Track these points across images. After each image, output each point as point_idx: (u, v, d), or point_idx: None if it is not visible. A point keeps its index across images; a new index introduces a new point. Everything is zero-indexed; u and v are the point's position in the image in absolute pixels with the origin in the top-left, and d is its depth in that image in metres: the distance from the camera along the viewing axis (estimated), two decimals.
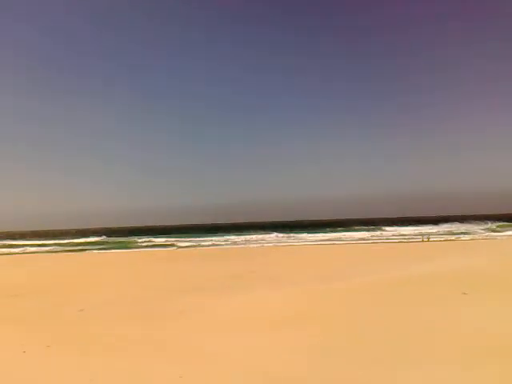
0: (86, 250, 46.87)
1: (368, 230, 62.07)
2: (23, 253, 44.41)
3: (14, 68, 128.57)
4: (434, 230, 56.58)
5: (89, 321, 9.34)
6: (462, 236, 46.91)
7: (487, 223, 69.17)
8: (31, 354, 6.95)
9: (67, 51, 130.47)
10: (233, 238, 57.97)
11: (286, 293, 11.65)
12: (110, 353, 6.94)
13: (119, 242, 59.37)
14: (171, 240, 57.88)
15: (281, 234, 60.03)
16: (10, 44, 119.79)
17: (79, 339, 7.84)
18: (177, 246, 48.57)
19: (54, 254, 41.70)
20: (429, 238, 40.92)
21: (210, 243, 50.20)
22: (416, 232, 54.50)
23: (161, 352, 6.84)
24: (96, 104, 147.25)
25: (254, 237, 58.03)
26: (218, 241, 53.47)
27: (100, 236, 72.82)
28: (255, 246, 43.53)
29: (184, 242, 53.99)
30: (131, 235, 74.43)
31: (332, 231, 62.76)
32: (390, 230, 60.87)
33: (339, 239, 49.05)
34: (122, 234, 79.87)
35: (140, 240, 59.74)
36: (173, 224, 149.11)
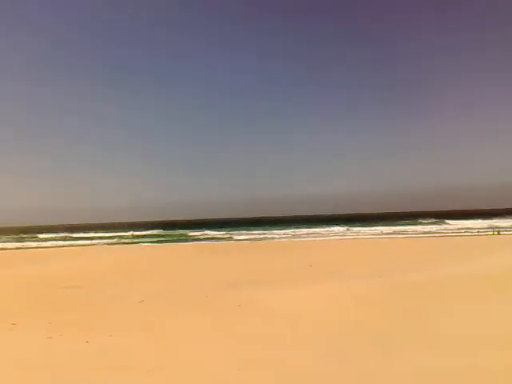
0: (143, 242, 48.50)
1: (433, 224, 60.09)
2: (84, 245, 46.55)
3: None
4: (504, 224, 53.55)
5: (149, 312, 9.58)
6: None
7: None
8: (94, 343, 7.18)
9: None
10: (291, 231, 57.85)
11: (343, 287, 11.50)
12: (171, 342, 7.08)
13: (175, 235, 60.94)
14: (227, 233, 58.72)
15: (342, 228, 59.15)
16: None
17: (140, 329, 8.07)
18: (234, 238, 49.16)
19: (112, 246, 43.42)
20: (499, 232, 38.94)
21: (269, 236, 50.39)
22: (484, 225, 52.08)
23: (219, 342, 6.90)
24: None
25: (312, 230, 57.65)
26: (277, 234, 53.58)
27: (156, 229, 75.01)
28: (314, 239, 43.25)
29: (241, 235, 54.58)
30: (187, 228, 76.15)
31: (395, 224, 61.15)
32: (454, 224, 58.53)
33: (404, 232, 47.78)
34: (178, 227, 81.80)
35: (195, 233, 61.05)
36: (229, 217, 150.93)
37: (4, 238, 68.41)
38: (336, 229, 57.96)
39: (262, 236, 50.68)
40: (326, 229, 58.09)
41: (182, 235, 60.53)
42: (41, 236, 71.67)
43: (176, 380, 5.44)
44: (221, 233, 60.08)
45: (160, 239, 54.07)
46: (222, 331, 7.77)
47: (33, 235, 73.80)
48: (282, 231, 57.87)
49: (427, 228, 53.50)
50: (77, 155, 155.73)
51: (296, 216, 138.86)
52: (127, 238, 59.65)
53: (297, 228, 61.79)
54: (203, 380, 5.40)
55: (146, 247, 39.46)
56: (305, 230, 57.07)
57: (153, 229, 75.42)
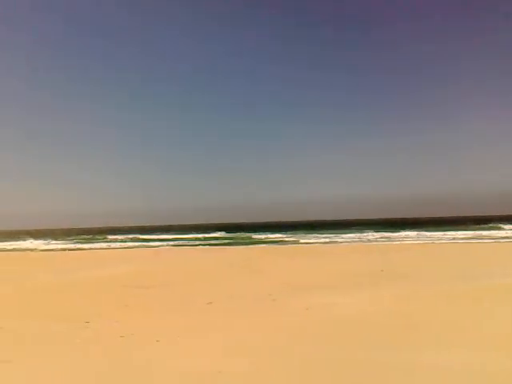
0: (207, 245, 49.45)
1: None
2: (151, 246, 48.21)
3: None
4: None
5: (217, 313, 9.72)
6: None
7: None
8: (164, 342, 7.36)
9: None
10: (358, 234, 56.72)
11: (413, 291, 11.22)
12: (239, 344, 7.12)
13: (239, 238, 61.61)
14: (293, 236, 58.58)
15: (412, 232, 57.12)
16: None
17: (208, 330, 8.19)
18: (300, 242, 48.93)
19: (179, 247, 44.66)
20: None
21: (336, 240, 49.72)
22: None
23: (287, 346, 6.84)
24: None
25: (380, 234, 56.21)
26: (344, 237, 52.73)
27: (220, 231, 76.34)
28: (383, 243, 42.18)
29: (307, 238, 54.23)
30: (249, 231, 76.85)
31: (469, 229, 58.29)
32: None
33: (480, 237, 45.45)
34: (240, 230, 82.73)
35: (260, 236, 61.40)
36: (294, 220, 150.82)
37: (76, 238, 72.40)
38: (405, 233, 56.05)
39: (328, 240, 50.04)
40: (397, 233, 56.33)
41: (245, 238, 61.07)
42: (110, 237, 75.13)
43: (245, 382, 5.45)
44: (286, 235, 60.04)
45: (224, 242, 54.90)
46: (289, 334, 7.72)
47: (103, 236, 77.52)
48: (348, 235, 56.83)
49: (505, 233, 50.45)
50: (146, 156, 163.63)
51: (360, 219, 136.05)
52: (192, 239, 61.13)
53: (362, 232, 60.57)
54: (272, 381, 5.38)
55: (210, 249, 40.18)
56: (376, 234, 55.74)
57: (216, 231, 76.84)
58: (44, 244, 61.10)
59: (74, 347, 7.22)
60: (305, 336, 7.57)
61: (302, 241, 49.63)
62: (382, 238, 51.66)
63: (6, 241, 69.45)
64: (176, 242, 55.34)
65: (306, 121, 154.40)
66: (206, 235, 69.44)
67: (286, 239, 54.48)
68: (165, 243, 54.84)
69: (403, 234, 55.73)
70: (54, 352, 6.98)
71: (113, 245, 55.23)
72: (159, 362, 6.35)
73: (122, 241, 64.85)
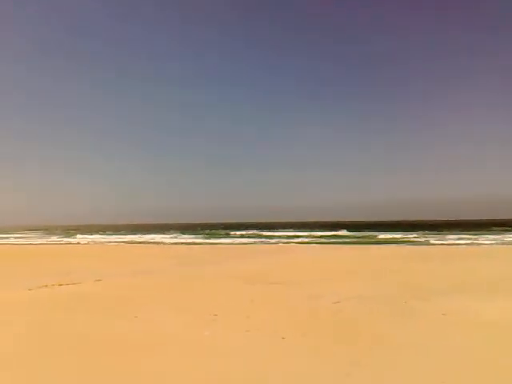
0: (331, 243, 49.22)
1: None
2: (273, 243, 49.27)
3: None
4: None
5: (344, 314, 9.60)
6: None
7: None
8: (289, 340, 7.46)
9: None
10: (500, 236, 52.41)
11: None
12: (366, 348, 6.96)
13: (363, 236, 60.35)
14: (423, 236, 55.95)
15: None
16: None
17: (334, 331, 8.12)
18: (430, 242, 46.56)
19: (302, 245, 45.08)
20: None
21: (469, 242, 46.46)
22: None
23: (421, 353, 6.53)
24: None
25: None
26: (492, 239, 49.04)
27: (342, 229, 75.55)
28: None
29: (436, 238, 51.46)
30: (369, 229, 74.97)
31: None
32: None
33: None
34: (363, 228, 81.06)
35: (386, 235, 59.54)
36: (424, 219, 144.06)
37: (202, 233, 76.57)
38: None
39: (460, 241, 46.85)
40: None
41: (369, 236, 59.69)
42: (232, 233, 78.29)
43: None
44: (414, 235, 57.54)
45: (348, 240, 54.17)
46: (423, 341, 7.35)
47: (226, 232, 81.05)
48: (492, 236, 52.72)
49: None
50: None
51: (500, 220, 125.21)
52: (316, 237, 61.30)
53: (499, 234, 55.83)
54: None
55: (334, 247, 39.90)
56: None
57: (335, 229, 76.22)
58: (173, 238, 65.52)
59: (203, 339, 7.63)
60: (446, 341, 7.20)
61: (433, 242, 47.10)
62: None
63: (143, 234, 75.95)
64: (299, 240, 55.89)
65: None
66: (329, 233, 69.15)
67: (416, 239, 52.11)
68: (287, 240, 55.73)
69: None
70: (183, 343, 7.43)
71: (237, 240, 57.48)
72: (282, 359, 6.47)
73: (243, 236, 67.18)
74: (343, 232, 71.60)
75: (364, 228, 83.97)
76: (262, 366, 6.18)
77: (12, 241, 66.25)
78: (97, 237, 74.45)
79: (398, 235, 59.36)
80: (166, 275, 17.28)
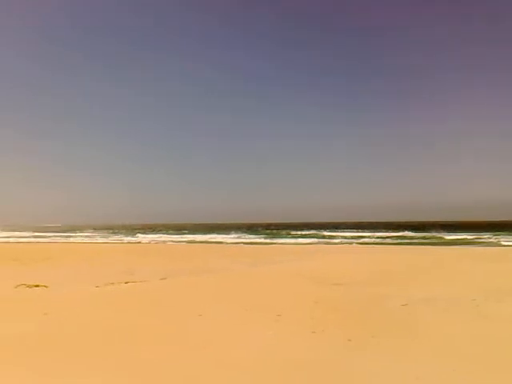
0: (397, 243, 48.17)
1: None
2: (335, 243, 48.83)
3: None
4: None
5: (412, 316, 9.37)
6: None
7: None
8: (356, 342, 7.36)
9: None
10: None
11: None
12: (437, 352, 6.75)
13: (427, 237, 58.51)
14: (494, 237, 53.51)
15: None
16: None
17: (402, 334, 7.94)
18: (500, 243, 44.48)
19: (365, 245, 44.36)
20: None
21: None
22: None
23: (495, 357, 6.25)
24: None
25: None
26: None
27: (403, 230, 73.64)
28: None
29: (507, 239, 49.01)
30: (438, 230, 72.54)
31: None
32: None
33: None
34: (428, 229, 78.55)
35: (452, 236, 57.41)
36: (497, 219, 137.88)
37: (262, 233, 77.10)
38: None
39: None
40: None
41: (435, 237, 57.73)
42: (293, 233, 78.26)
43: None
44: (487, 236, 55.11)
45: (414, 241, 52.67)
46: (496, 345, 7.05)
47: (287, 232, 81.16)
48: None
49: None
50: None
51: None
52: (381, 238, 60.14)
53: None
54: None
55: (398, 248, 38.96)
56: None
57: (399, 230, 74.38)
58: (234, 238, 66.37)
59: (267, 338, 7.67)
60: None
61: (504, 243, 44.90)
62: None
63: (204, 233, 77.59)
64: (362, 240, 55.08)
65: None
66: (393, 234, 67.65)
67: (486, 240, 49.91)
68: (349, 240, 55.06)
69: None
70: (246, 342, 7.50)
71: (299, 240, 57.40)
72: (348, 360, 6.40)
73: (305, 236, 66.98)
74: (407, 233, 69.74)
75: (428, 228, 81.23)
76: (327, 368, 6.14)
77: (79, 239, 69.60)
78: (158, 236, 76.62)
79: (465, 236, 57.10)
80: (230, 274, 17.55)
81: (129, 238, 71.21)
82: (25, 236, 79.52)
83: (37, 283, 15.20)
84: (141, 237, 74.66)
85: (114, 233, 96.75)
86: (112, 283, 14.85)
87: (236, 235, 73.22)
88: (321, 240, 56.97)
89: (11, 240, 65.29)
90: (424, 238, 58.77)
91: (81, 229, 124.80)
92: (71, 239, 70.86)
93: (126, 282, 15.02)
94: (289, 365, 6.25)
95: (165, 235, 78.50)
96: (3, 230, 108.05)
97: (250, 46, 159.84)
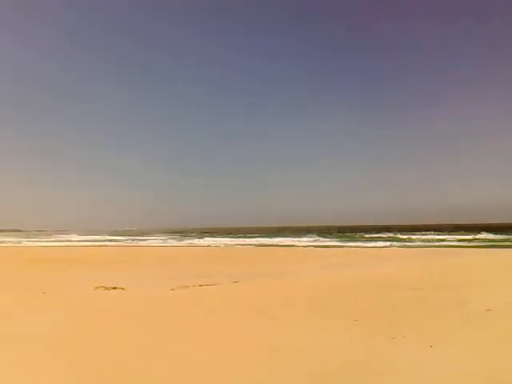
0: (470, 246, 46.29)
1: None
2: (413, 246, 47.50)
3: None
4: None
5: (497, 321, 9.04)
6: None
7: None
8: (438, 348, 7.21)
9: None
10: None
11: None
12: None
13: (506, 240, 55.45)
14: None
15: None
16: None
17: (487, 339, 7.70)
18: None
19: (444, 249, 42.84)
20: None
21: None
22: None
23: None
24: None
25: None
26: None
27: (480, 232, 70.30)
28: None
29: None
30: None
31: None
32: None
33: None
34: (501, 231, 74.38)
35: None
36: None
37: (337, 236, 76.42)
38: None
39: None
40: None
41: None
42: (366, 235, 76.90)
43: None
44: None
45: (490, 244, 50.14)
46: None
47: (361, 235, 79.91)
48: None
49: None
50: None
51: None
52: (456, 240, 57.91)
53: None
54: None
55: (479, 251, 37.38)
56: None
57: (474, 232, 71.14)
58: (305, 241, 66.18)
59: (345, 343, 7.67)
60: None
61: None
62: None
63: (270, 237, 78.08)
64: (439, 243, 53.27)
65: None
66: (468, 236, 64.94)
67: None
68: (427, 243, 53.40)
69: None
70: (323, 348, 7.52)
71: (371, 243, 56.33)
72: (431, 368, 6.29)
73: (379, 239, 65.64)
74: (484, 235, 66.51)
75: (506, 231, 76.83)
76: (408, 375, 6.08)
77: (149, 243, 72.32)
78: (227, 239, 77.83)
79: None
80: (303, 277, 17.61)
81: (198, 241, 72.98)
82: (100, 240, 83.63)
83: (114, 285, 16.02)
84: (210, 240, 76.21)
85: (185, 236, 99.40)
86: (186, 286, 15.36)
87: (307, 238, 72.90)
88: (397, 243, 55.55)
89: (87, 244, 68.98)
90: (504, 240, 55.75)
91: (154, 232, 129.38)
92: (145, 242, 73.79)
93: (199, 285, 15.49)
94: (368, 372, 6.24)
95: (233, 239, 79.56)
96: (84, 234, 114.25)
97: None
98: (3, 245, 67.07)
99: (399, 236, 71.50)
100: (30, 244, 69.87)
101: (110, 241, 79.03)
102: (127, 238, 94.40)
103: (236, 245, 60.87)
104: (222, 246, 59.97)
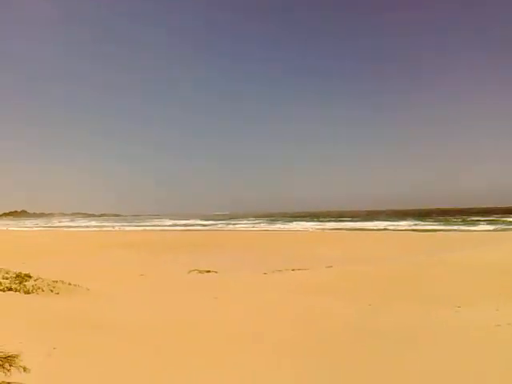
0: None
1: None
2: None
3: None
4: None
5: None
6: None
7: None
8: None
9: None
10: None
11: None
12: None
13: None
14: None
15: None
16: None
17: None
18: None
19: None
20: None
21: None
22: None
23: None
24: None
25: None
26: None
27: None
28: None
29: None
30: None
31: None
32: None
33: None
34: None
35: None
36: None
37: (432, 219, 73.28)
38: None
39: None
40: None
41: None
42: (469, 219, 73.09)
43: None
44: None
45: None
46: None
47: (464, 218, 76.04)
48: None
49: None
50: None
51: None
52: None
53: None
54: None
55: None
56: None
57: None
58: (404, 225, 63.80)
59: (449, 330, 7.37)
60: None
61: None
62: None
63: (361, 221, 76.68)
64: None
65: None
66: None
67: None
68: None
69: None
70: (431, 335, 7.28)
71: (480, 227, 53.35)
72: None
73: (484, 222, 62.18)
74: None
75: None
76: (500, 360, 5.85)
77: (242, 227, 73.84)
78: (315, 223, 76.98)
79: None
80: (402, 264, 16.63)
81: (287, 226, 72.88)
82: (193, 224, 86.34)
83: (208, 269, 16.56)
84: (300, 225, 75.63)
85: (273, 220, 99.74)
86: (279, 270, 15.48)
87: (405, 222, 70.31)
88: (504, 226, 52.07)
89: (180, 228, 71.74)
90: None
91: (244, 217, 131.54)
92: (237, 226, 75.41)
93: (292, 270, 15.54)
94: (481, 361, 5.93)
95: (322, 223, 78.37)
96: (176, 219, 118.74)
97: None
98: (105, 229, 71.58)
99: (508, 219, 66.87)
100: (127, 228, 73.58)
101: (203, 225, 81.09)
102: (218, 222, 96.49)
103: (325, 229, 60.10)
104: (311, 229, 59.42)
